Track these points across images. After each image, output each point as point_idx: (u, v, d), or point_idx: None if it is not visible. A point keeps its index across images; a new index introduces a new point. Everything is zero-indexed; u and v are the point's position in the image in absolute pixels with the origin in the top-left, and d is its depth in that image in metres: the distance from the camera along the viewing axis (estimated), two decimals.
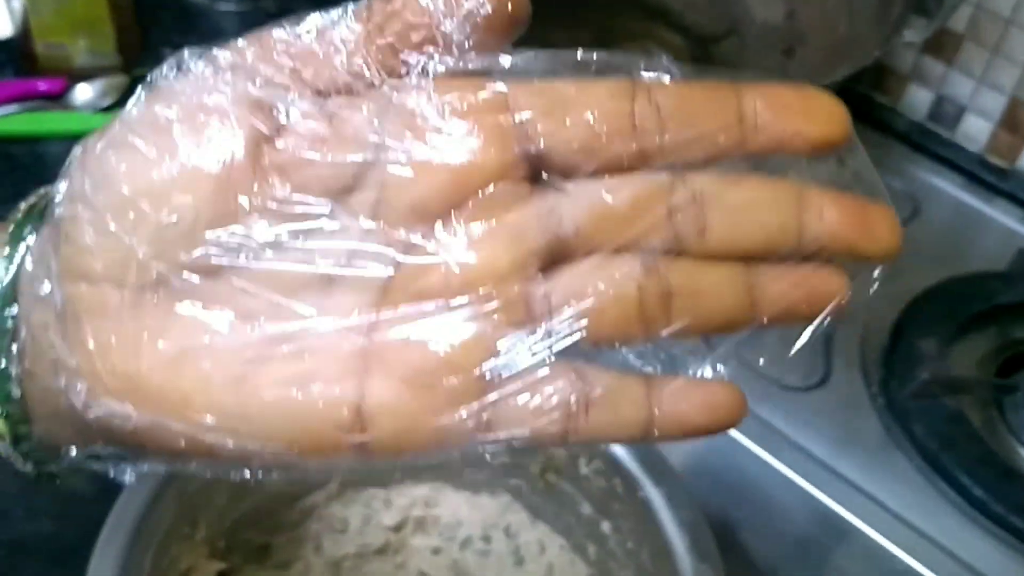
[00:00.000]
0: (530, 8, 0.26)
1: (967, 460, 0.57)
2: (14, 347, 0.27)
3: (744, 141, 0.26)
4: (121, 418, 0.26)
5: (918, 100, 0.82)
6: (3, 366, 0.27)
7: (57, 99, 0.76)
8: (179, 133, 0.25)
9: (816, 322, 0.26)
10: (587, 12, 0.73)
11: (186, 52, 0.27)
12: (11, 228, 0.28)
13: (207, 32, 0.85)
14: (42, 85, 0.76)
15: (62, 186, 0.27)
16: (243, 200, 0.25)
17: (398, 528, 0.54)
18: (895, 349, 0.63)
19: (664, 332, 0.26)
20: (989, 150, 0.80)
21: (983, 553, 0.55)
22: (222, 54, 0.26)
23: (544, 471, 0.53)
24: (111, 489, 0.45)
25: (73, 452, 0.28)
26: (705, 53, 0.74)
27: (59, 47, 0.76)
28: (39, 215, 0.28)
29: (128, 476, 0.29)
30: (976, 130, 0.80)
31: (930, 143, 0.82)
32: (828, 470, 0.58)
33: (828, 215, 0.26)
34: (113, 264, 0.26)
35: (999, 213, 0.77)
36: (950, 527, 0.56)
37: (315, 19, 0.26)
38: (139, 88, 0.27)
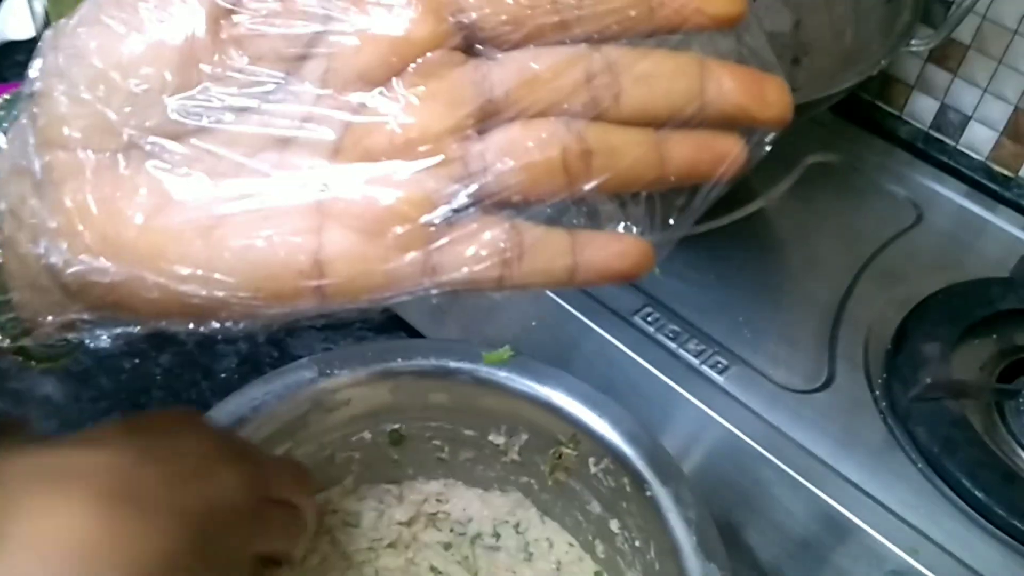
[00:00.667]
0: None
1: (969, 463, 0.57)
2: None
3: (652, 15, 0.28)
4: (99, 273, 0.28)
5: (923, 109, 0.83)
6: None
7: None
8: (145, 10, 0.28)
9: (715, 181, 0.29)
10: None
11: None
12: None
13: None
14: None
15: (36, 64, 0.29)
16: (205, 69, 0.27)
17: (410, 523, 0.55)
18: (898, 353, 0.64)
19: (585, 186, 0.28)
20: (993, 159, 0.80)
21: (984, 555, 0.55)
22: None
23: (554, 470, 0.53)
24: None
25: (49, 319, 0.30)
26: None
27: None
28: (11, 105, 0.30)
29: (103, 341, 0.30)
30: (980, 139, 0.81)
31: (934, 151, 0.82)
32: (831, 471, 0.58)
33: (726, 83, 0.28)
34: (88, 131, 0.28)
35: (1002, 221, 0.77)
36: (951, 529, 0.56)
37: None
38: None
